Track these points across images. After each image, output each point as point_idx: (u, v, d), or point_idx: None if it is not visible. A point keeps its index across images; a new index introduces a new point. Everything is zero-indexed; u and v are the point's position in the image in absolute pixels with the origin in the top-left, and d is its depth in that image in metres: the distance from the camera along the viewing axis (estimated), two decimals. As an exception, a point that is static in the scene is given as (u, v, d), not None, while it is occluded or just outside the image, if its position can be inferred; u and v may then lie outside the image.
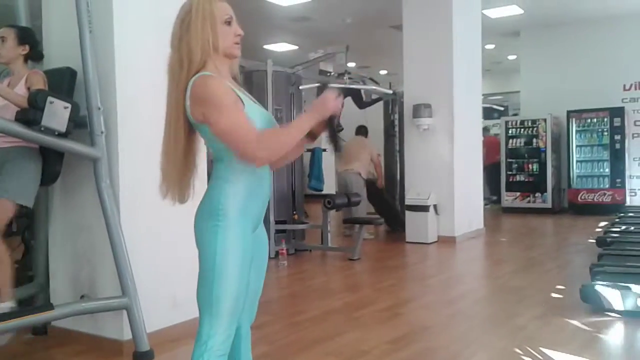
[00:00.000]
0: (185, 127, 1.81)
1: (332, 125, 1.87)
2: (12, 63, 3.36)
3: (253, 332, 2.07)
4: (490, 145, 11.56)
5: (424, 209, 7.35)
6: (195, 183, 1.91)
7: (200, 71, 1.78)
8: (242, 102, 1.79)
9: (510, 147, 11.32)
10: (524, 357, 3.27)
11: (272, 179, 1.94)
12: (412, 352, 3.46)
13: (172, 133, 1.82)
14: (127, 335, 3.37)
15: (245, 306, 1.91)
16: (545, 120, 10.91)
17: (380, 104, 9.84)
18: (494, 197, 11.77)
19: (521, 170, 11.19)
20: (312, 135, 1.92)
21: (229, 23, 1.85)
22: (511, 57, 13.75)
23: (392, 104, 9.46)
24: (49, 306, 3.19)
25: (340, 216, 8.76)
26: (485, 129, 12.82)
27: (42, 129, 3.00)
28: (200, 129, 1.81)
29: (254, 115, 1.80)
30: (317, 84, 7.97)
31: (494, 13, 9.92)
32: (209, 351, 1.77)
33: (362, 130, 8.96)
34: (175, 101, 1.80)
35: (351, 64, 12.55)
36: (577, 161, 10.85)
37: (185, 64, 1.79)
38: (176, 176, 1.85)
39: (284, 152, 1.81)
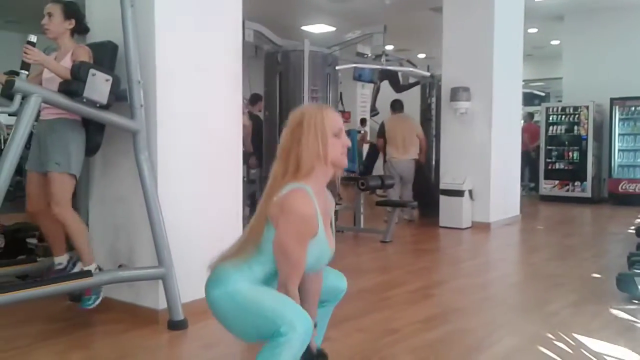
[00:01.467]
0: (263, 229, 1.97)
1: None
2: (59, 38, 3.44)
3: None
4: (529, 132, 11.37)
5: (458, 193, 7.28)
6: None
7: (302, 181, 1.88)
8: (317, 226, 1.94)
9: (550, 134, 11.07)
10: (555, 342, 3.24)
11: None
12: (442, 332, 3.46)
13: (254, 225, 2.01)
14: (162, 304, 3.47)
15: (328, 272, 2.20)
16: (587, 107, 10.62)
17: (417, 87, 9.75)
18: (532, 184, 11.57)
19: (561, 158, 10.94)
20: None
21: (338, 135, 1.92)
22: (554, 42, 13.40)
23: (430, 87, 9.34)
24: (87, 273, 3.29)
25: (374, 198, 8.72)
26: (530, 115, 12.60)
27: (84, 100, 3.08)
28: (270, 230, 1.94)
29: (317, 245, 1.97)
30: (353, 65, 7.91)
31: (538, -4, 9.68)
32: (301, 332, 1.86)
33: (398, 106, 8.33)
34: (263, 207, 1.95)
35: (389, 47, 12.45)
36: (619, 150, 10.56)
37: (290, 172, 1.90)
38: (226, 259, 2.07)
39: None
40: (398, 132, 7.98)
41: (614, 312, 3.83)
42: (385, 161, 8.43)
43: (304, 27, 11.95)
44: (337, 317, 3.67)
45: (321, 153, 1.87)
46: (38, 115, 3.19)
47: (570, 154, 10.85)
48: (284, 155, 1.91)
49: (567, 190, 10.75)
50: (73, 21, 3.43)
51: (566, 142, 10.91)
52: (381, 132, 8.34)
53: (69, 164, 3.29)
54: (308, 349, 1.94)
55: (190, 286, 3.54)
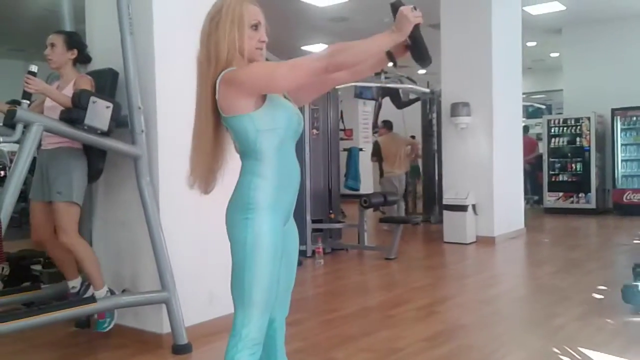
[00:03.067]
0: (214, 121, 1.88)
1: (417, 37, 1.85)
2: (61, 67, 3.49)
3: (288, 328, 2.10)
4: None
5: (462, 208, 7.27)
6: (226, 178, 1.96)
7: (227, 68, 1.84)
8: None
9: (552, 146, 11.08)
10: (562, 357, 3.23)
11: (301, 173, 1.98)
12: (447, 350, 3.45)
13: (201, 126, 1.90)
14: (166, 328, 3.47)
15: (278, 299, 1.95)
16: (589, 118, 10.64)
17: (418, 103, 9.80)
18: (535, 197, 11.55)
19: (564, 170, 10.93)
20: (392, 57, 1.97)
21: (255, 28, 1.90)
22: (554, 55, 13.47)
23: (430, 103, 9.41)
24: (92, 299, 3.31)
25: (378, 215, 8.73)
26: (525, 128, 12.60)
27: (86, 127, 3.12)
28: (227, 122, 1.86)
29: (275, 102, 1.87)
30: (352, 84, 8.00)
31: (535, 10, 9.74)
32: (243, 340, 1.82)
33: (388, 125, 9.04)
34: (204, 96, 1.87)
35: (389, 64, 12.52)
36: (622, 160, 10.55)
37: (212, 61, 1.85)
38: (203, 168, 1.92)
39: (359, 61, 1.87)
40: (392, 149, 8.68)
41: (619, 325, 3.81)
42: (381, 177, 8.66)
43: (304, 47, 12.05)
44: (341, 337, 3.69)
45: (237, 43, 1.85)
46: (39, 144, 3.23)
47: (573, 165, 10.84)
48: (204, 39, 1.88)
49: (572, 202, 10.73)
50: (75, 51, 3.49)
51: (569, 154, 10.90)
52: (376, 151, 8.89)
53: (71, 193, 3.32)
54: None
55: (193, 310, 3.56)
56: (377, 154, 8.90)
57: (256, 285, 1.82)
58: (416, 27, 1.83)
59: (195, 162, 1.93)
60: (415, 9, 1.83)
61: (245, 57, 1.89)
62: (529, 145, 11.47)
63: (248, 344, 1.82)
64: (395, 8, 1.83)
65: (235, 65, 1.85)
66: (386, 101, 10.02)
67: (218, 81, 1.83)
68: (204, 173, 1.93)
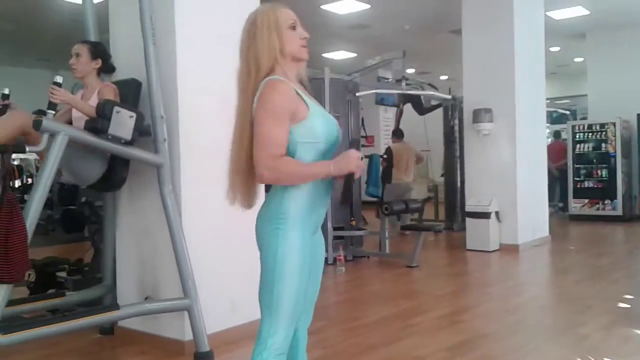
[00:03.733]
0: (251, 133, 1.85)
1: (349, 181, 1.89)
2: (86, 77, 3.55)
3: (309, 335, 2.10)
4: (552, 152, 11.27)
5: (485, 215, 7.20)
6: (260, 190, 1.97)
7: (269, 76, 1.84)
8: (307, 105, 1.84)
9: (577, 152, 10.91)
10: (586, 368, 3.17)
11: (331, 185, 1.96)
12: (469, 359, 3.41)
13: (239, 140, 1.89)
14: (188, 336, 3.49)
15: (303, 309, 1.95)
16: (614, 124, 10.47)
17: (440, 110, 9.75)
18: (560, 204, 11.38)
19: (589, 176, 10.76)
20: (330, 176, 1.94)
21: (293, 27, 1.91)
22: (578, 60, 13.30)
23: (452, 109, 9.37)
24: (115, 306, 3.35)
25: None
26: (557, 134, 12.45)
27: (110, 137, 3.16)
28: None
29: (317, 117, 1.86)
30: (373, 91, 8.00)
31: (558, 14, 9.64)
32: (269, 349, 1.83)
33: (400, 134, 9.33)
34: (243, 109, 1.88)
35: (411, 70, 12.51)
36: (649, 166, 10.37)
37: (252, 72, 1.86)
38: (242, 182, 1.92)
39: (289, 183, 1.84)
40: (403, 157, 8.86)
41: (648, 335, 3.73)
42: (389, 183, 8.70)
43: (325, 55, 12.09)
44: (362, 346, 3.68)
45: (277, 47, 1.85)
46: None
47: (599, 171, 10.66)
48: (243, 54, 1.88)
49: (597, 209, 10.55)
50: (99, 61, 3.55)
51: (594, 160, 10.74)
52: (389, 156, 9.03)
53: (76, 172, 3.32)
54: None
55: (215, 317, 3.58)
56: (388, 159, 9.02)
57: (285, 296, 1.83)
58: (351, 175, 1.85)
59: (234, 177, 1.93)
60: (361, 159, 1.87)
61: (289, 58, 1.90)
62: (561, 151, 11.32)
63: (272, 354, 1.83)
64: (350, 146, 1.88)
65: (278, 69, 1.86)
66: (408, 108, 9.98)
67: (259, 91, 1.83)
68: (243, 187, 1.93)
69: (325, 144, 1.87)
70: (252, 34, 1.87)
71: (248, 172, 1.90)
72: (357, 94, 7.27)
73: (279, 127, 1.79)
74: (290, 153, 1.83)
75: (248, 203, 1.96)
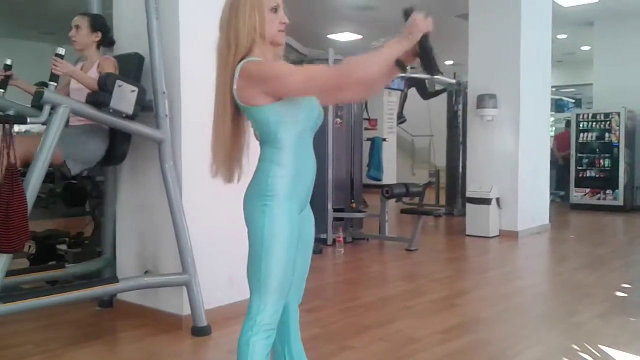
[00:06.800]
0: (232, 109, 1.88)
1: (426, 46, 1.82)
2: (85, 50, 3.54)
3: (306, 314, 2.12)
4: (559, 140, 11.23)
5: (485, 202, 7.21)
6: (245, 164, 1.96)
7: (248, 56, 1.84)
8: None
9: (581, 141, 10.87)
10: (581, 354, 3.19)
11: (317, 163, 1.97)
12: (464, 343, 3.43)
13: (220, 114, 1.90)
14: (186, 311, 3.52)
15: (293, 285, 1.96)
16: (619, 114, 10.42)
17: (445, 95, 9.72)
18: (562, 193, 11.37)
19: (592, 166, 10.74)
20: (402, 66, 1.91)
21: (275, 10, 1.89)
22: (585, 48, 13.18)
23: (456, 94, 9.32)
24: (114, 280, 3.37)
25: (400, 206, 8.70)
26: (567, 123, 12.37)
27: (111, 111, 3.16)
28: (247, 111, 1.86)
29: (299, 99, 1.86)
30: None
31: (567, 2, 9.52)
32: (258, 325, 1.84)
33: None
34: (224, 84, 1.88)
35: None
36: (652, 158, 10.33)
37: (232, 48, 1.85)
38: (224, 156, 1.93)
39: (374, 75, 1.78)
40: None
41: (643, 324, 3.75)
42: None
43: (330, 36, 12.00)
44: (358, 326, 3.70)
45: (257, 26, 1.84)
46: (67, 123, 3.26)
47: (602, 161, 10.64)
48: (224, 26, 1.88)
49: (599, 199, 10.54)
50: (100, 34, 3.53)
51: (597, 150, 10.70)
52: None
53: (72, 156, 3.29)
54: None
55: (213, 293, 3.60)
56: None
57: (273, 272, 1.83)
58: (426, 35, 1.81)
59: (216, 151, 1.94)
60: (427, 16, 1.81)
61: (268, 41, 1.89)
62: (568, 140, 11.25)
63: (262, 329, 1.84)
64: (407, 15, 1.82)
65: (256, 50, 1.85)
66: (412, 92, 9.95)
67: (237, 71, 1.82)
68: (226, 161, 1.94)
69: (306, 122, 1.88)
70: (234, 8, 1.86)
71: (231, 145, 1.91)
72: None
73: (299, 68, 1.81)
74: (271, 132, 1.83)
75: (230, 176, 1.96)
